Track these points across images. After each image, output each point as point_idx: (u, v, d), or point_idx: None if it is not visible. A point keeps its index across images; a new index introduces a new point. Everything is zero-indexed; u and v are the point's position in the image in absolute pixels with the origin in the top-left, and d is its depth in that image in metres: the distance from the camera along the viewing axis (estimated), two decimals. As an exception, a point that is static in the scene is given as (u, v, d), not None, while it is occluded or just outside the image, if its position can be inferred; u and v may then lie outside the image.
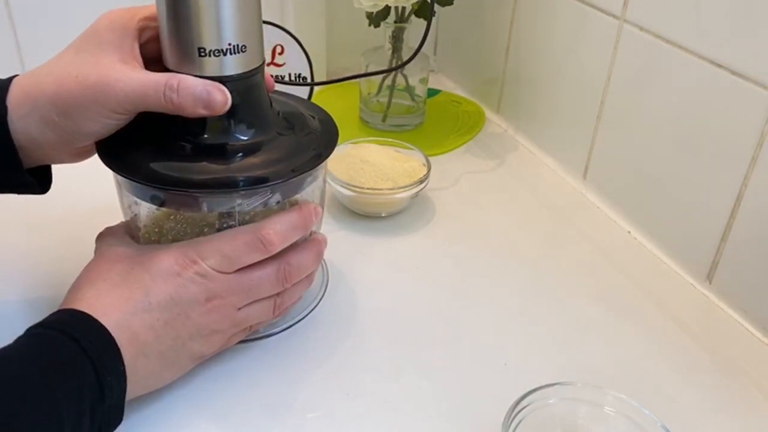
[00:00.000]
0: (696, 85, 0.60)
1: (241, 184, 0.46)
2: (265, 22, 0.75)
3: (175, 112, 0.45)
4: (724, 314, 0.60)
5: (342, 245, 0.65)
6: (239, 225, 0.49)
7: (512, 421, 0.43)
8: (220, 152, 0.47)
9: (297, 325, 0.56)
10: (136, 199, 0.50)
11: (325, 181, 0.56)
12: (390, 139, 0.74)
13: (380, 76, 0.83)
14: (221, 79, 0.46)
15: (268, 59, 0.77)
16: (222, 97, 0.45)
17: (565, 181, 0.79)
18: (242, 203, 0.48)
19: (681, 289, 0.63)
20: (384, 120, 0.85)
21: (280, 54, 0.77)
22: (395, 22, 0.80)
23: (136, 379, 0.43)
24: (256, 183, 0.46)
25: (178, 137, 0.48)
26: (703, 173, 0.61)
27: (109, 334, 0.42)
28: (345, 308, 0.58)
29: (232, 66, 0.46)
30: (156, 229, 0.52)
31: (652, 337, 0.57)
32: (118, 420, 0.42)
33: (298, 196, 0.52)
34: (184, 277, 0.45)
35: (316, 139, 0.51)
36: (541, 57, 0.80)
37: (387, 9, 0.78)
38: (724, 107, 0.58)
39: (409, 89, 0.84)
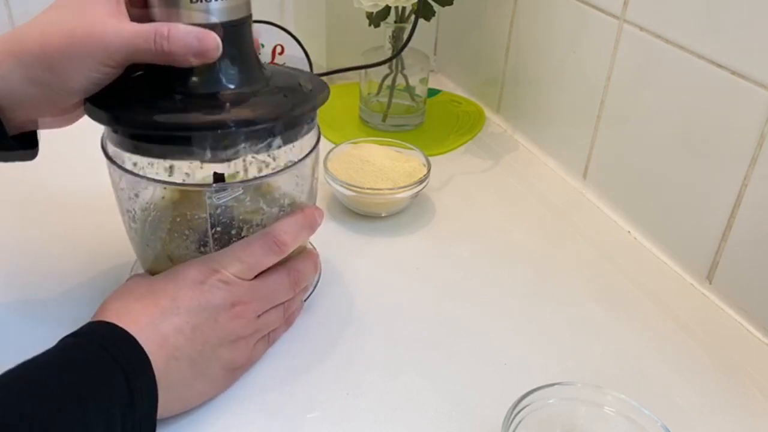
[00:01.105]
0: (696, 85, 0.60)
1: (244, 124, 0.46)
2: (265, 22, 0.75)
3: (166, 61, 0.44)
4: (724, 314, 0.60)
5: (342, 245, 0.65)
6: (237, 228, 0.51)
7: (512, 421, 0.43)
8: (214, 100, 0.47)
9: (297, 325, 0.56)
10: (136, 190, 0.51)
11: (316, 167, 0.56)
12: (390, 139, 0.74)
13: (380, 77, 0.83)
14: (209, 27, 0.45)
15: (267, 59, 0.77)
16: (213, 43, 0.44)
17: (565, 181, 0.79)
18: (246, 147, 0.48)
19: (681, 289, 0.63)
20: (384, 120, 0.85)
21: (280, 54, 0.77)
22: (395, 22, 0.80)
23: (169, 385, 0.43)
24: (260, 122, 0.47)
25: (167, 90, 0.47)
26: (703, 173, 0.61)
27: (137, 342, 0.42)
28: (345, 308, 0.58)
29: (220, 13, 0.46)
30: (157, 232, 0.53)
31: (652, 337, 0.57)
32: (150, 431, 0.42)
33: (301, 200, 0.54)
34: (209, 284, 0.47)
35: (307, 94, 0.52)
36: (541, 57, 0.80)
37: (387, 9, 0.78)
38: (724, 107, 0.58)
39: (409, 89, 0.84)
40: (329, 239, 0.66)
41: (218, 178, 0.54)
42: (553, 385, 0.45)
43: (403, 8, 0.79)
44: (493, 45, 0.89)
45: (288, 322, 0.54)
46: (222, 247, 0.52)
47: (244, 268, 0.48)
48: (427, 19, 0.80)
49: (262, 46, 0.76)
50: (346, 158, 0.70)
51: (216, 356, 0.47)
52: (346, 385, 0.51)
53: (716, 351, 0.56)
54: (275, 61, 0.78)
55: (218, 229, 0.52)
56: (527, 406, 0.44)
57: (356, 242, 0.66)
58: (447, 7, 0.80)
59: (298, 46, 0.77)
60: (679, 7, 0.60)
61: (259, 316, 0.50)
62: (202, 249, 0.53)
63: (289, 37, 0.77)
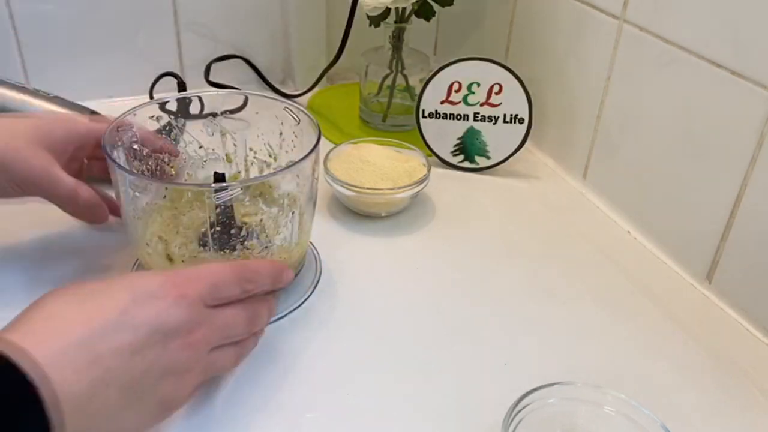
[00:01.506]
0: (696, 85, 0.60)
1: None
2: (485, 59, 0.75)
3: None
4: (724, 314, 0.60)
5: (342, 245, 0.65)
6: (237, 228, 0.52)
7: (512, 421, 0.43)
8: None
9: (296, 325, 0.56)
10: (137, 190, 0.52)
11: (316, 166, 0.56)
12: (390, 139, 0.74)
13: (380, 77, 0.83)
14: None
15: (483, 98, 0.76)
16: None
17: (565, 181, 0.79)
18: None
19: (681, 289, 0.63)
20: (384, 120, 0.85)
21: (497, 94, 0.75)
22: (395, 22, 0.80)
23: (90, 414, 0.36)
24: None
25: None
26: (703, 173, 0.61)
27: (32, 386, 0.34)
28: (344, 308, 0.58)
29: None
30: (160, 240, 0.53)
31: (652, 337, 0.57)
32: None
33: (301, 200, 0.55)
34: (168, 301, 0.41)
35: None
36: (541, 57, 0.80)
37: (387, 9, 0.78)
38: (724, 107, 0.58)
39: (409, 89, 0.84)
40: (329, 239, 0.66)
41: (218, 177, 0.55)
42: (553, 385, 0.45)
43: (403, 9, 0.79)
44: (492, 45, 0.89)
45: (235, 363, 0.47)
46: (222, 247, 0.52)
47: (210, 291, 0.43)
48: (427, 19, 0.80)
49: (478, 84, 0.75)
50: (346, 158, 0.70)
51: (155, 388, 0.40)
52: (345, 385, 0.51)
53: (716, 351, 0.56)
54: (490, 100, 0.75)
55: (218, 228, 0.52)
56: (527, 406, 0.44)
57: (356, 242, 0.66)
58: (447, 7, 0.80)
59: (519, 86, 0.74)
60: (679, 8, 0.60)
61: (211, 350, 0.44)
62: (201, 249, 0.53)
63: (510, 75, 0.74)
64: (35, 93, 0.70)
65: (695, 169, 0.62)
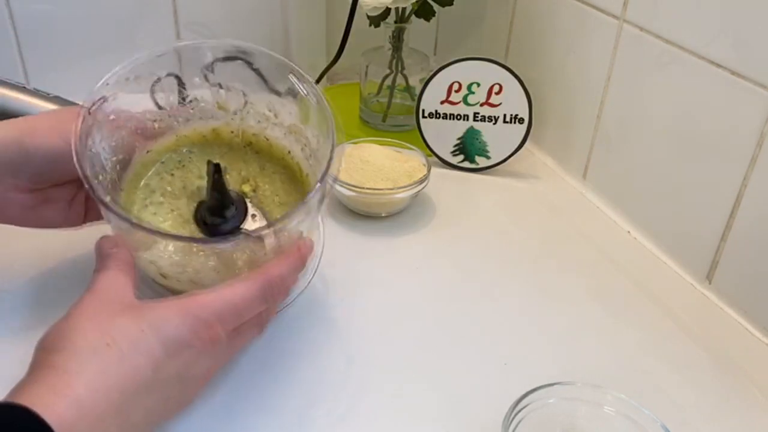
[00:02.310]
0: (696, 85, 0.60)
1: None
2: (485, 59, 0.74)
3: None
4: (724, 314, 0.60)
5: (342, 245, 0.65)
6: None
7: (512, 421, 0.43)
8: None
9: (296, 325, 0.56)
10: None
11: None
12: (390, 139, 0.74)
13: (380, 77, 0.83)
14: None
15: (483, 98, 0.76)
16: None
17: (565, 181, 0.79)
18: None
19: (681, 289, 0.63)
20: (384, 120, 0.85)
21: (497, 94, 0.75)
22: (395, 22, 0.80)
23: None
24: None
25: None
26: (703, 173, 0.61)
27: None
28: (344, 308, 0.58)
29: None
30: (180, 269, 0.49)
31: (652, 337, 0.57)
32: None
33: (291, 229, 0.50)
34: (197, 349, 0.41)
35: None
36: (541, 57, 0.80)
37: (387, 9, 0.78)
38: (724, 107, 0.58)
39: (409, 89, 0.84)
40: (329, 239, 0.66)
41: (216, 168, 0.51)
42: (553, 385, 0.45)
43: (403, 9, 0.79)
44: (492, 45, 0.89)
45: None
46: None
47: (236, 321, 0.43)
48: (427, 19, 0.80)
49: (478, 84, 0.74)
50: (346, 158, 0.70)
51: (164, 418, 0.42)
52: (345, 384, 0.51)
53: (716, 351, 0.56)
54: (490, 100, 0.75)
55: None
56: (527, 406, 0.44)
57: (356, 242, 0.66)
58: (447, 7, 0.80)
59: (519, 86, 0.74)
60: (680, 8, 0.60)
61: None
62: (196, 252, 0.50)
63: (510, 75, 0.74)
64: (35, 93, 0.70)
65: (695, 169, 0.62)
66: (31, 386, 0.35)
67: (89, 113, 0.49)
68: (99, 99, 0.50)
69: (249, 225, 0.53)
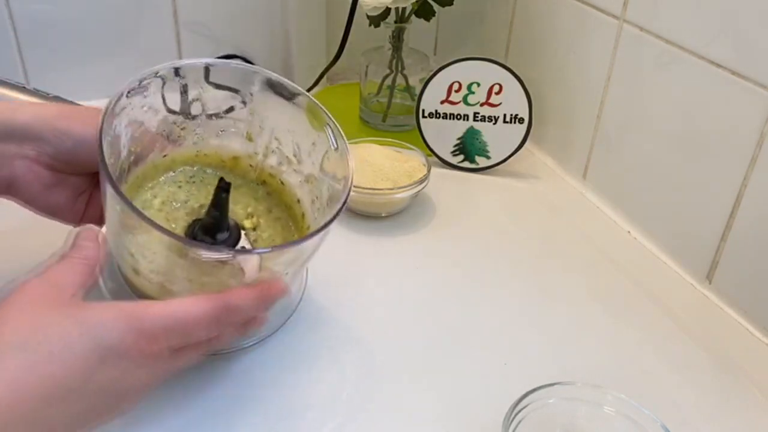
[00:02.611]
0: (696, 84, 0.60)
1: None
2: (485, 59, 0.74)
3: None
4: (724, 314, 0.60)
5: (342, 245, 0.65)
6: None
7: (512, 421, 0.43)
8: None
9: (295, 325, 0.56)
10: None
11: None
12: (390, 139, 0.74)
13: (380, 77, 0.83)
14: None
15: (483, 98, 0.76)
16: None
17: (565, 181, 0.79)
18: None
19: (681, 289, 0.63)
20: (384, 120, 0.85)
21: (497, 93, 0.75)
22: (395, 22, 0.80)
23: None
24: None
25: None
26: (703, 173, 0.61)
27: None
28: (344, 308, 0.58)
29: None
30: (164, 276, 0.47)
31: (652, 337, 0.57)
32: None
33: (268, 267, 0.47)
34: (134, 361, 0.38)
35: None
36: (541, 57, 0.80)
37: (387, 9, 0.78)
38: (724, 107, 0.58)
39: (409, 89, 0.84)
40: (329, 239, 0.66)
41: (224, 186, 0.48)
42: (553, 385, 0.45)
43: (403, 8, 0.79)
44: (492, 45, 0.89)
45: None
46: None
47: (180, 340, 0.40)
48: (427, 19, 0.80)
49: (478, 84, 0.74)
50: (346, 158, 0.70)
51: (91, 426, 0.39)
52: (345, 385, 0.51)
53: (716, 351, 0.56)
54: (490, 100, 0.75)
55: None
56: (527, 406, 0.44)
57: (356, 242, 0.66)
58: (447, 7, 0.80)
59: (519, 86, 0.74)
60: (680, 7, 0.60)
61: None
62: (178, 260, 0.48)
63: (510, 75, 0.74)
64: (35, 93, 0.70)
65: (695, 169, 0.62)
66: None
67: (127, 95, 0.48)
68: (140, 87, 0.49)
69: None
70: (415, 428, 0.48)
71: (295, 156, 0.55)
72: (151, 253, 0.46)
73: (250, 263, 0.45)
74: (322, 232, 0.46)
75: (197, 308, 0.40)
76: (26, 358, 0.35)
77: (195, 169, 0.55)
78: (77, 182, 0.52)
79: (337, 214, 0.47)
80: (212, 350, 0.46)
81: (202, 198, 0.53)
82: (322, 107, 0.53)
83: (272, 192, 0.56)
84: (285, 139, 0.55)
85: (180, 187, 0.54)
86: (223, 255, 0.46)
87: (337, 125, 0.53)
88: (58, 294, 0.39)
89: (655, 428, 0.44)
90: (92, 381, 0.37)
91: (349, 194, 0.49)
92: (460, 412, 0.49)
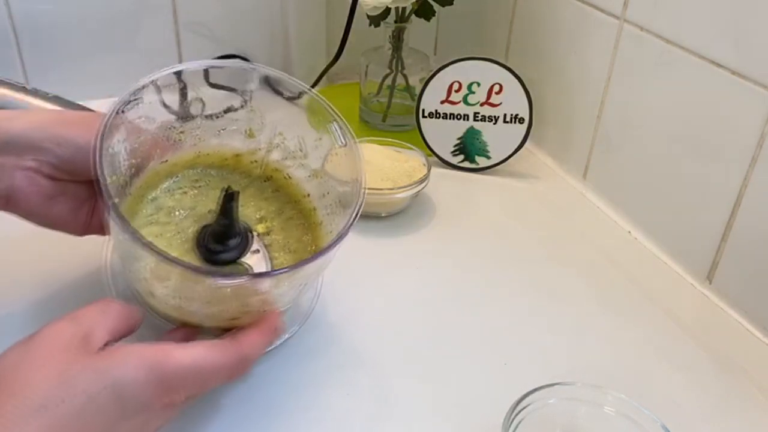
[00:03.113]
0: (696, 84, 0.60)
1: None
2: (485, 59, 0.74)
3: None
4: (724, 314, 0.60)
5: (342, 245, 0.65)
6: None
7: (512, 421, 0.43)
8: None
9: (293, 323, 0.55)
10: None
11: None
12: (390, 139, 0.74)
13: (380, 77, 0.83)
14: None
15: (483, 98, 0.76)
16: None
17: (565, 181, 0.79)
18: None
19: (681, 289, 0.63)
20: (384, 120, 0.85)
21: (497, 93, 0.75)
22: (395, 22, 0.80)
23: None
24: None
25: None
26: (703, 173, 0.61)
27: None
28: (344, 308, 0.58)
29: None
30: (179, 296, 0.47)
31: (652, 337, 0.57)
32: None
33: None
34: (154, 413, 0.39)
35: None
36: (541, 57, 0.80)
37: (387, 9, 0.78)
38: (724, 107, 0.58)
39: (409, 89, 0.84)
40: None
41: (229, 195, 0.48)
42: (553, 385, 0.45)
43: (403, 8, 0.79)
44: (492, 45, 0.89)
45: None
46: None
47: (199, 390, 0.41)
48: (427, 19, 0.80)
49: (478, 84, 0.74)
50: (346, 158, 0.70)
51: None
52: (345, 385, 0.51)
53: (716, 351, 0.56)
54: (490, 100, 0.75)
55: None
56: (527, 406, 0.44)
57: (356, 242, 0.66)
58: (447, 7, 0.80)
59: (520, 86, 0.74)
60: (679, 8, 0.60)
61: None
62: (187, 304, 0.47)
63: (511, 75, 0.74)
64: (35, 93, 0.70)
65: (695, 169, 0.62)
66: None
67: (122, 112, 0.47)
68: (133, 100, 0.48)
69: (249, 258, 0.51)
70: (416, 428, 0.48)
71: (300, 150, 0.54)
72: (165, 278, 0.45)
73: (267, 282, 0.45)
74: (338, 245, 0.45)
75: (217, 357, 0.41)
76: (49, 417, 0.35)
77: (198, 171, 0.54)
78: (79, 191, 0.51)
79: (353, 221, 0.47)
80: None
81: (210, 203, 0.52)
82: (327, 103, 0.52)
83: (279, 188, 0.55)
84: (289, 133, 0.54)
85: (185, 193, 0.53)
86: (237, 281, 0.45)
87: (344, 121, 0.52)
88: (86, 343, 0.38)
89: (655, 428, 0.44)
90: None
91: (363, 198, 0.48)
92: (460, 412, 0.49)
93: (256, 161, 0.55)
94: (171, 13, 0.85)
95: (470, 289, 0.61)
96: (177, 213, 0.52)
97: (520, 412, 0.44)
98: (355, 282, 0.61)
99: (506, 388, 0.47)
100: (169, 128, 0.52)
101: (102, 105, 0.63)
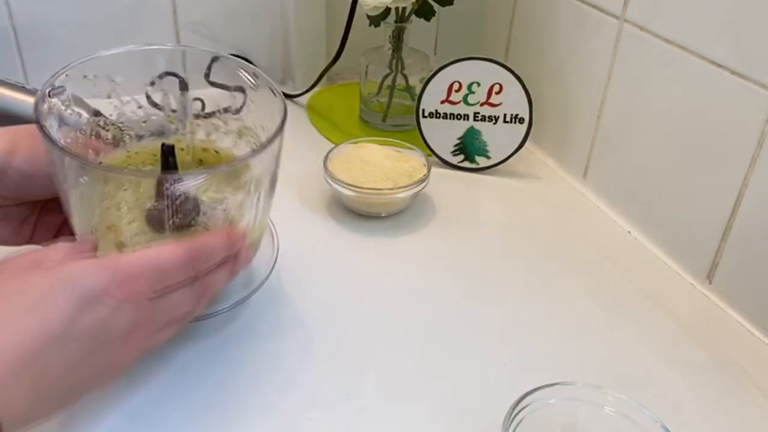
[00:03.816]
0: (696, 85, 0.60)
1: None
2: (485, 59, 0.74)
3: None
4: (724, 314, 0.60)
5: (342, 245, 0.65)
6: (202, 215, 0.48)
7: (512, 421, 0.43)
8: None
9: (295, 323, 0.56)
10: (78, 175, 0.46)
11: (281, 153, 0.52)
12: (390, 139, 0.74)
13: (380, 77, 0.83)
14: None
15: (483, 98, 0.76)
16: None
17: (565, 181, 0.79)
18: None
19: (681, 289, 0.63)
20: (384, 120, 0.85)
21: (497, 93, 0.75)
22: (395, 22, 0.80)
23: (23, 421, 0.36)
24: None
25: None
26: (703, 173, 0.61)
27: None
28: (345, 308, 0.58)
29: None
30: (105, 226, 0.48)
31: (653, 337, 0.57)
32: None
33: (265, 185, 0.50)
34: (112, 305, 0.39)
35: None
36: (541, 57, 0.80)
37: (387, 9, 0.78)
38: (724, 107, 0.58)
39: (409, 89, 0.84)
40: (329, 239, 0.66)
41: (167, 150, 0.49)
42: (553, 385, 0.45)
43: (403, 8, 0.79)
44: (492, 45, 0.89)
45: (172, 335, 0.46)
46: (178, 228, 0.47)
47: (156, 283, 0.41)
48: (427, 19, 0.80)
49: (478, 84, 0.75)
50: (346, 158, 0.70)
51: (89, 385, 0.40)
52: (345, 385, 0.51)
53: (716, 351, 0.56)
54: (490, 100, 0.75)
55: (177, 219, 0.48)
56: (527, 406, 0.44)
57: (356, 242, 0.66)
58: (447, 7, 0.80)
59: (520, 86, 0.74)
60: (679, 8, 0.60)
61: (154, 333, 0.43)
62: (155, 234, 0.48)
63: (511, 75, 0.74)
64: (35, 93, 0.70)
65: (695, 169, 0.62)
66: None
67: (48, 96, 0.47)
68: (57, 87, 0.48)
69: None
70: (416, 428, 0.48)
71: (220, 119, 0.55)
72: (128, 223, 0.46)
73: (218, 220, 0.48)
74: (273, 144, 0.47)
75: (168, 251, 0.42)
76: (5, 309, 0.36)
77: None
78: (19, 211, 0.50)
79: (280, 130, 0.48)
80: (206, 302, 0.46)
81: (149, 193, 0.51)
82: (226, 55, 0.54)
83: (214, 166, 0.55)
84: (208, 103, 0.55)
85: (126, 190, 0.51)
86: (190, 177, 0.46)
87: (246, 64, 0.53)
88: (35, 263, 0.40)
89: (655, 428, 0.44)
90: (73, 328, 0.37)
91: (285, 114, 0.49)
92: (460, 412, 0.49)
93: (183, 149, 0.55)
94: (171, 13, 0.85)
95: (470, 289, 0.61)
96: (123, 206, 0.51)
97: (520, 412, 0.44)
98: (354, 282, 0.61)
99: (506, 388, 0.47)
100: (97, 127, 0.53)
101: (102, 105, 0.64)
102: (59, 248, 0.42)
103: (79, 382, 0.39)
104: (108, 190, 0.48)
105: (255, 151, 0.48)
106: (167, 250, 0.42)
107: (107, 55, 0.52)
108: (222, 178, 0.50)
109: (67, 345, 0.37)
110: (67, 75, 0.50)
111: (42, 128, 0.43)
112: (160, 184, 0.47)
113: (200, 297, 0.45)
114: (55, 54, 0.82)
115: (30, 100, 0.69)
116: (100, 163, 0.52)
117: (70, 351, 0.37)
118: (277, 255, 0.58)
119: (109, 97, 0.54)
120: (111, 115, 0.54)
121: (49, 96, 0.48)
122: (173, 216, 0.46)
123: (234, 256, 0.47)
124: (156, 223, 0.48)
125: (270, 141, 0.47)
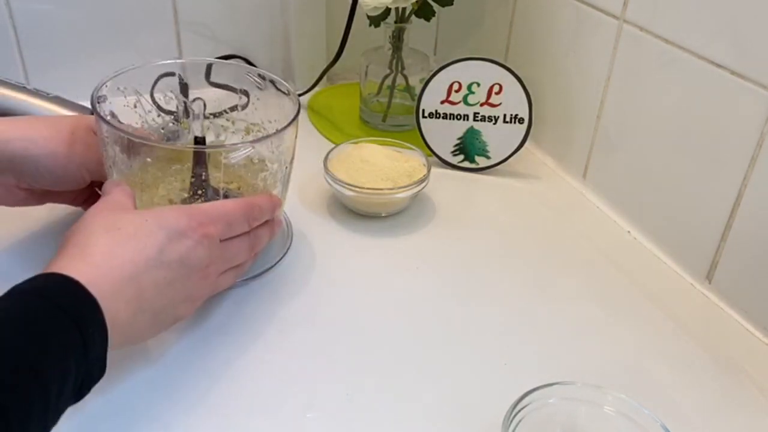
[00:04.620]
0: (696, 84, 0.60)
1: None
2: (485, 59, 0.75)
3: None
4: (724, 314, 0.60)
5: (342, 245, 0.65)
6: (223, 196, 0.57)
7: (512, 421, 0.43)
8: None
9: (295, 323, 0.56)
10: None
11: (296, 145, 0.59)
12: (390, 139, 0.74)
13: (380, 77, 0.83)
14: None
15: (483, 98, 0.76)
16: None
17: (564, 181, 0.79)
18: None
19: (681, 289, 0.63)
20: (384, 120, 0.85)
21: (497, 93, 0.75)
22: (395, 22, 0.80)
23: (127, 334, 0.44)
24: None
25: None
26: (703, 173, 0.61)
27: (88, 293, 0.41)
28: (345, 308, 0.58)
29: None
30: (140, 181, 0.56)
31: (653, 337, 0.57)
32: (100, 373, 0.42)
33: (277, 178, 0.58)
34: (194, 240, 0.48)
35: None
36: (541, 57, 0.80)
37: (387, 9, 0.78)
38: (724, 107, 0.58)
39: (409, 89, 0.84)
40: (329, 239, 0.66)
41: (199, 141, 0.56)
42: (553, 385, 0.45)
43: (403, 9, 0.79)
44: (492, 45, 0.89)
45: (233, 282, 0.55)
46: None
47: (225, 229, 0.50)
48: (428, 19, 0.81)
49: (478, 84, 0.75)
50: (346, 158, 0.70)
51: (174, 310, 0.48)
52: (345, 385, 0.51)
53: (716, 351, 0.56)
54: (490, 100, 0.75)
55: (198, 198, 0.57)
56: (527, 406, 0.44)
57: (356, 242, 0.66)
58: (447, 7, 0.80)
59: (520, 86, 0.74)
60: (679, 8, 0.60)
61: (219, 275, 0.52)
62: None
63: (511, 76, 0.74)
64: (35, 93, 0.70)
65: (695, 169, 0.62)
66: (57, 261, 0.43)
67: (98, 102, 0.55)
68: (101, 96, 0.55)
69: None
70: (416, 428, 0.48)
71: (228, 119, 0.62)
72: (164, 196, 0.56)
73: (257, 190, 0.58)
74: (295, 119, 0.55)
75: (231, 204, 0.52)
76: (110, 238, 0.45)
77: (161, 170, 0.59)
78: (63, 196, 0.60)
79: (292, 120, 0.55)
80: (254, 256, 0.56)
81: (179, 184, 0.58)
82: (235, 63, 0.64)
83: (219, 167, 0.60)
84: (212, 104, 0.61)
85: (158, 186, 0.58)
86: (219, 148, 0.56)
87: (256, 68, 0.62)
88: (120, 206, 0.49)
89: (655, 428, 0.44)
90: (165, 254, 0.46)
91: (299, 108, 0.56)
92: (460, 412, 0.49)
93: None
94: (171, 13, 0.85)
95: (470, 289, 0.61)
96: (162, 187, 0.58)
97: (519, 411, 0.44)
98: (354, 282, 0.61)
99: (506, 388, 0.47)
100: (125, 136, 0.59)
101: (130, 114, 0.64)
102: (121, 192, 0.51)
103: (167, 304, 0.47)
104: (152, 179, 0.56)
105: (290, 122, 0.55)
106: (230, 203, 0.52)
107: (139, 68, 0.59)
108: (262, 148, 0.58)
109: (160, 267, 0.46)
110: (106, 86, 0.57)
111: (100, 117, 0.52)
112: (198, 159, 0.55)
113: (251, 249, 0.54)
114: (55, 54, 0.82)
115: (30, 100, 0.70)
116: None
117: (162, 273, 0.46)
118: (292, 236, 0.65)
119: (134, 107, 0.60)
120: (137, 123, 0.61)
121: (98, 102, 0.55)
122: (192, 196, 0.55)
123: (272, 219, 0.57)
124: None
125: (296, 115, 0.55)
